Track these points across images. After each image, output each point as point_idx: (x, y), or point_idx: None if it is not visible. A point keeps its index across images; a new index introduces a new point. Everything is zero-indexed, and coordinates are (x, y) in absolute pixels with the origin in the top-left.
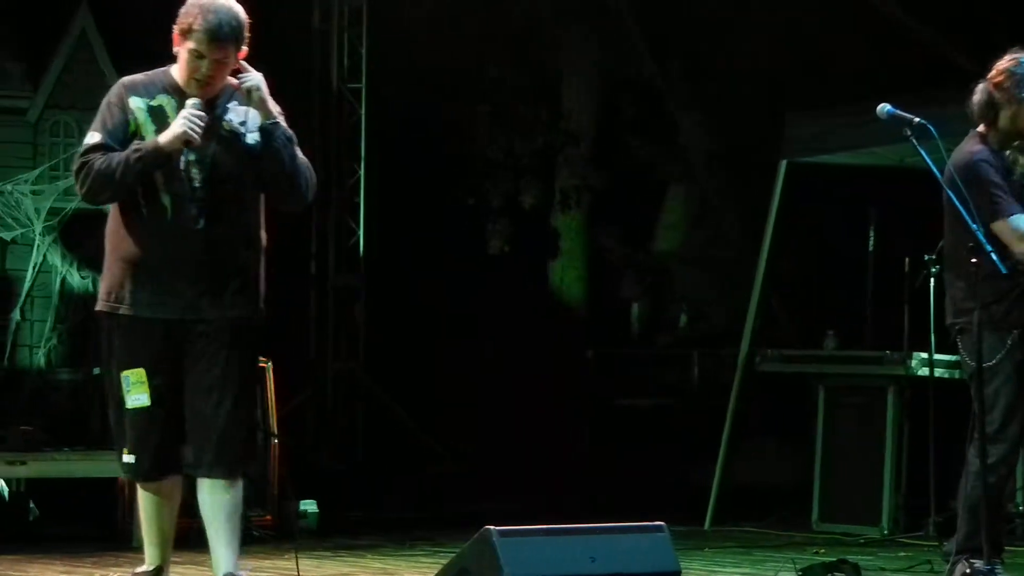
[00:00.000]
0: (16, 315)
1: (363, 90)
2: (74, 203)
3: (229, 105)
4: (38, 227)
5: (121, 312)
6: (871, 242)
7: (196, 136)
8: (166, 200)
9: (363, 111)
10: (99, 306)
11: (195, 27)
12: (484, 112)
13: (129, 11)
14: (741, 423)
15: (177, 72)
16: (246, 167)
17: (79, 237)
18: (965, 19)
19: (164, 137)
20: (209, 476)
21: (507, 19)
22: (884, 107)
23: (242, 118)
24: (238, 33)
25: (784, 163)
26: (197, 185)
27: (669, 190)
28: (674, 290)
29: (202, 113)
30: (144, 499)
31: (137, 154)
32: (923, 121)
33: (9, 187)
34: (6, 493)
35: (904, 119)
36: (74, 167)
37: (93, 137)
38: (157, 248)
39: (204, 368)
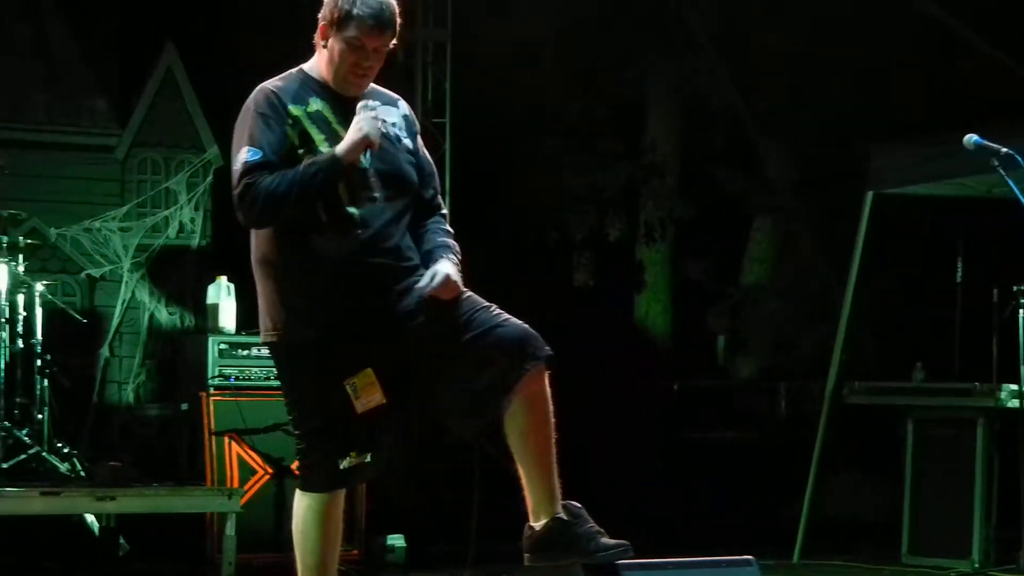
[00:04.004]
0: (105, 351)
1: (447, 125)
2: (161, 239)
3: (373, 105)
4: (126, 264)
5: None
6: (959, 273)
7: (378, 138)
8: (353, 214)
9: (447, 146)
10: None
11: (354, 12)
12: (568, 145)
13: (214, 49)
14: (829, 456)
15: (318, 70)
16: (412, 170)
17: (167, 273)
18: None
19: (342, 147)
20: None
21: (590, 51)
22: (971, 137)
23: (392, 119)
24: (395, 20)
25: (871, 194)
26: (377, 195)
27: (755, 222)
28: (760, 322)
29: (377, 113)
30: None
31: (313, 167)
32: (1010, 151)
33: (98, 224)
34: (96, 529)
35: (991, 149)
36: (235, 190)
37: (253, 154)
38: (349, 266)
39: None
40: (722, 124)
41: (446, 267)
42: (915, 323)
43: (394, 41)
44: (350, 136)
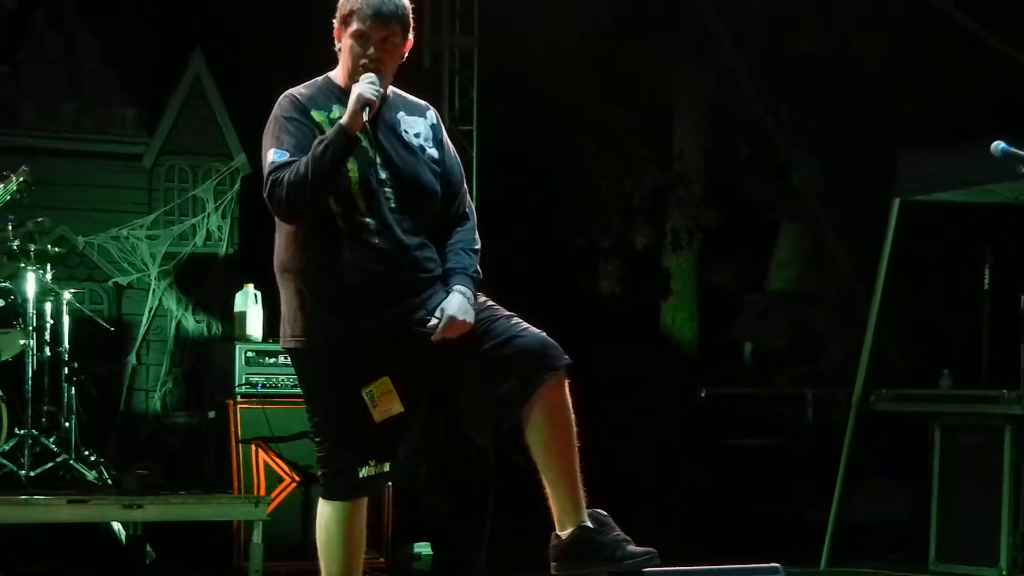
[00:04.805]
0: (132, 359)
1: (474, 132)
2: (188, 247)
3: (399, 116)
4: (153, 271)
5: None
6: (986, 280)
7: (375, 98)
8: (370, 223)
9: (474, 153)
10: (297, 344)
11: (355, 6)
12: (595, 153)
13: (242, 56)
14: (856, 462)
15: (340, 76)
16: (434, 180)
17: (194, 281)
18: None
19: (344, 116)
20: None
21: (617, 60)
22: (998, 144)
23: (417, 129)
24: (402, 13)
25: (897, 201)
26: (394, 205)
27: (782, 229)
28: (787, 329)
29: (376, 79)
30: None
31: (322, 144)
32: None
33: (125, 232)
34: (123, 537)
35: (1018, 156)
36: (265, 191)
37: (279, 156)
38: (366, 274)
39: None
40: (749, 131)
41: (452, 305)
42: (942, 330)
43: (410, 38)
44: (349, 103)
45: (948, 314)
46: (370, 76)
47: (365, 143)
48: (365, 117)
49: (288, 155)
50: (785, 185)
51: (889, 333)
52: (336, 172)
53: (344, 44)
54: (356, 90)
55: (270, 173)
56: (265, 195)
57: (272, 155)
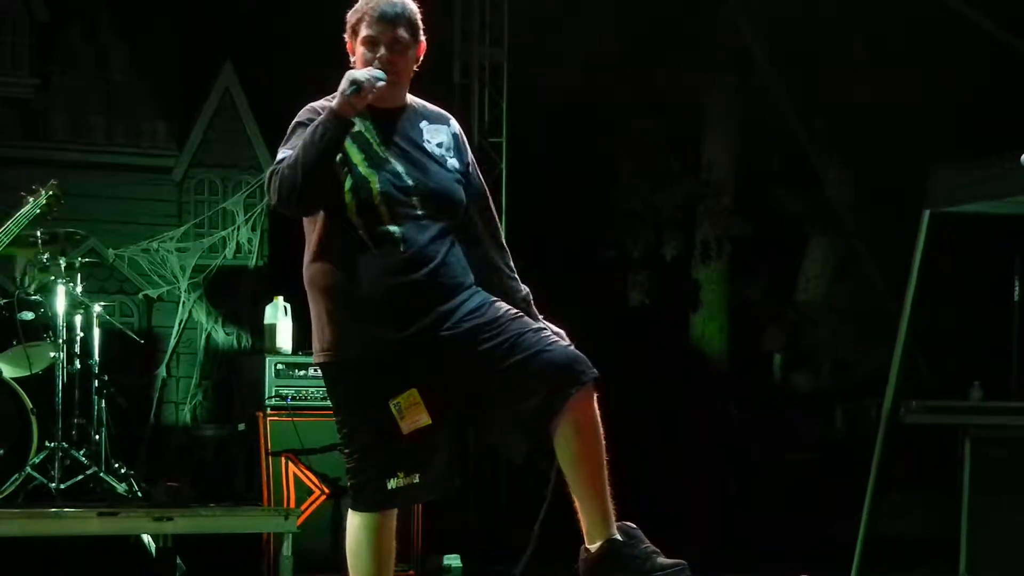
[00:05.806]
0: (162, 372)
1: (504, 144)
2: (218, 260)
3: (422, 125)
4: (183, 284)
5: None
6: (1016, 291)
7: (364, 80)
8: (394, 231)
9: (504, 165)
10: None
11: (361, 15)
12: (625, 164)
13: (272, 69)
14: (886, 474)
15: None
16: (458, 188)
17: (224, 293)
18: None
19: (335, 99)
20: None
21: (648, 71)
22: None
23: (440, 139)
24: (409, 15)
25: (927, 213)
26: (419, 213)
27: (812, 240)
28: (817, 341)
29: (379, 72)
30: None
31: (314, 126)
32: None
33: (155, 245)
34: (153, 549)
35: None
36: (266, 186)
37: (284, 154)
38: (392, 287)
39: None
40: (779, 143)
41: None
42: (972, 342)
43: (422, 41)
44: (340, 86)
45: (978, 326)
46: (372, 68)
47: (385, 154)
48: (349, 93)
49: (292, 153)
50: (816, 196)
51: (919, 345)
52: (329, 156)
53: (357, 54)
54: (348, 74)
55: (272, 168)
56: (266, 188)
57: (280, 154)
